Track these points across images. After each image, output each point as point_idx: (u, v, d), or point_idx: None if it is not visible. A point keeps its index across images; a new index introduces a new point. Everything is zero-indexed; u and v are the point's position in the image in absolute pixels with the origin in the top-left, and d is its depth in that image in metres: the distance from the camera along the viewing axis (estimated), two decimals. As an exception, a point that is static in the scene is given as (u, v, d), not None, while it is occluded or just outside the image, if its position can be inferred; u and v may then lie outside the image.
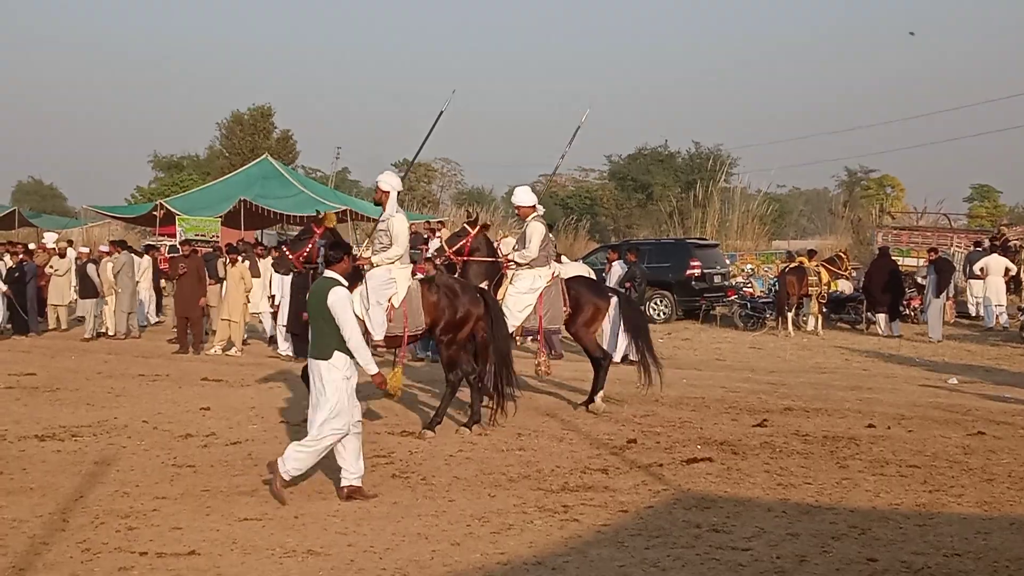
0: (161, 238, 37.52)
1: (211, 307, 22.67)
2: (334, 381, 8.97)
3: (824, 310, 26.77)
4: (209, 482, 9.69)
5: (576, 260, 26.33)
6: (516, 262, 13.77)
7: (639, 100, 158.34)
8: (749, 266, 34.57)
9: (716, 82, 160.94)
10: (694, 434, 12.33)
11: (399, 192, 12.55)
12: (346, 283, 9.34)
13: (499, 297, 13.30)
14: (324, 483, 9.67)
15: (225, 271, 21.79)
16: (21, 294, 24.89)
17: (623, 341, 19.21)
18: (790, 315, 25.90)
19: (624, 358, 19.10)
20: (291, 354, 19.70)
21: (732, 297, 28.72)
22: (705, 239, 36.18)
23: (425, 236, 33.01)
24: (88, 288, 23.84)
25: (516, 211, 14.50)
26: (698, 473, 10.24)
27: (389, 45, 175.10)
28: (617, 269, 21.31)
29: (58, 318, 25.92)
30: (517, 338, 13.99)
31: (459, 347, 12.44)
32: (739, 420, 13.37)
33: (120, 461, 10.57)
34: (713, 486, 9.71)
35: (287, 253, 12.37)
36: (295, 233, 45.39)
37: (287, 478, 8.99)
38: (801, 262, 26.94)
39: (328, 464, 10.42)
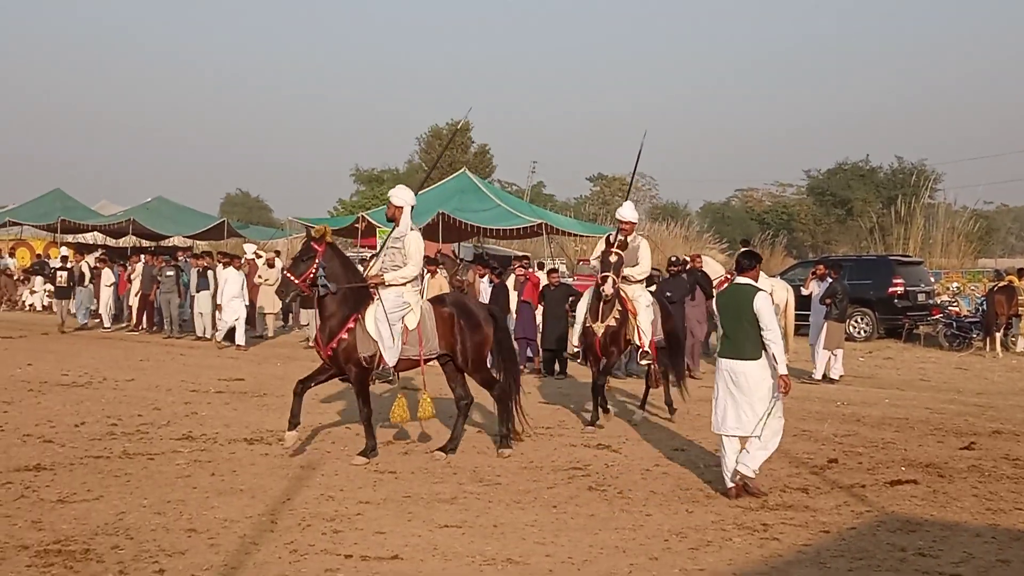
0: (362, 249, 38.33)
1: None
2: (767, 380, 9.74)
3: (1030, 331, 25.71)
4: (410, 488, 9.87)
5: (774, 276, 25.89)
6: (633, 278, 13.82)
7: (840, 114, 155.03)
8: (955, 284, 33.46)
9: (921, 96, 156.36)
10: (898, 455, 12.00)
11: (413, 207, 12.09)
12: (766, 289, 10.32)
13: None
14: (523, 493, 9.75)
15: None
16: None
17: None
18: (998, 335, 24.98)
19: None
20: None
21: (937, 316, 27.81)
22: (908, 256, 35.20)
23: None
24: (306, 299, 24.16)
25: (621, 226, 13.91)
26: (902, 495, 9.96)
27: (582, 60, 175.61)
28: (814, 286, 20.85)
29: (266, 326, 26.80)
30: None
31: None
32: (945, 442, 12.96)
33: (324, 465, 10.86)
34: (918, 509, 9.43)
35: (290, 277, 11.36)
36: (491, 246, 46.21)
37: (754, 475, 9.86)
38: (1010, 281, 25.96)
39: (529, 475, 10.54)
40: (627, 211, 14.09)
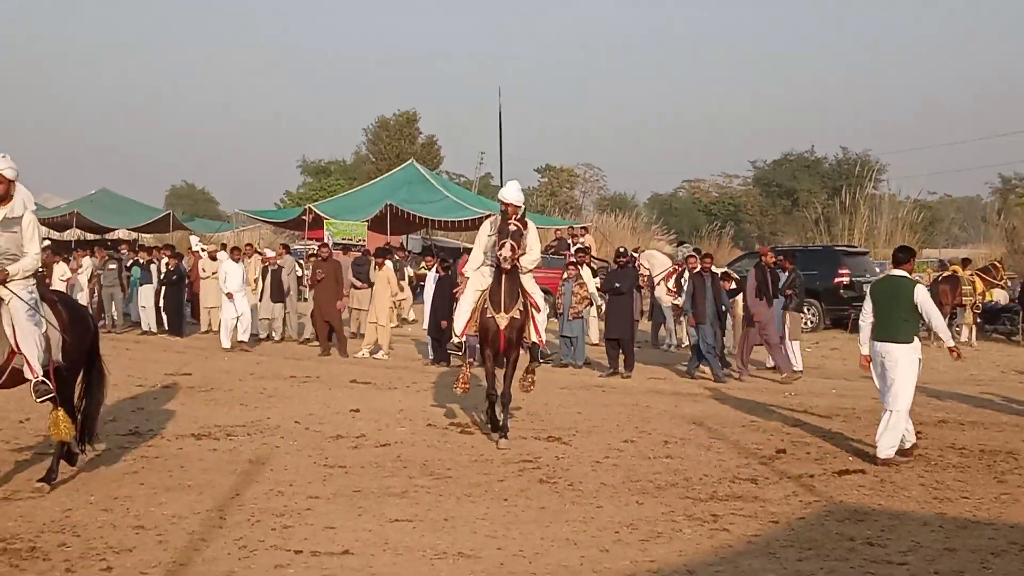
0: (309, 242, 38.20)
1: (362, 310, 23.06)
2: (913, 363, 11.02)
3: (978, 320, 26.03)
4: (360, 483, 9.83)
5: (721, 267, 26.05)
6: (524, 268, 12.23)
7: (784, 105, 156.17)
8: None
9: (864, 86, 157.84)
10: (846, 445, 12.11)
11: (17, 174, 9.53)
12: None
13: None
14: (473, 486, 9.75)
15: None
16: (176, 297, 25.66)
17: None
18: (943, 325, 25.25)
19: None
20: (431, 358, 19.89)
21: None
22: (854, 246, 35.49)
23: (568, 241, 33.13)
24: (277, 292, 23.66)
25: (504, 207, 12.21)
26: (850, 485, 10.05)
27: (529, 50, 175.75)
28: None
29: (210, 320, 26.57)
30: None
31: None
32: (892, 432, 13.07)
33: (274, 460, 10.79)
34: (866, 498, 9.52)
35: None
36: (439, 238, 46.17)
37: (889, 454, 10.99)
38: (955, 271, 26.25)
39: (479, 468, 10.54)
40: (511, 191, 12.41)
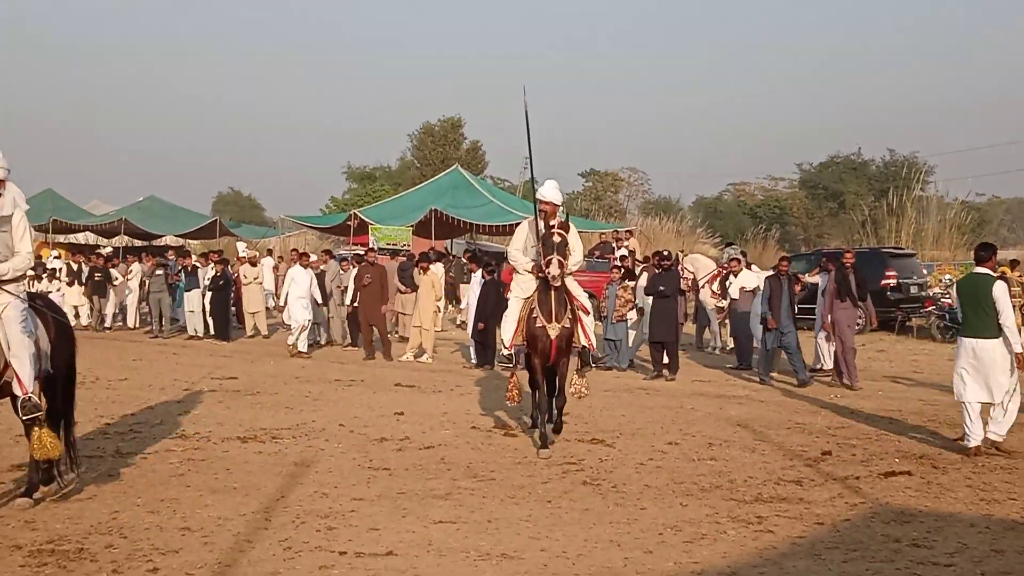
0: (355, 247, 38.38)
1: (406, 315, 23.14)
2: (1006, 356, 11.40)
3: (1030, 322, 25.75)
4: (404, 485, 9.86)
5: (766, 270, 25.93)
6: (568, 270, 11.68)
7: (831, 107, 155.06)
8: (948, 276, 33.42)
9: (912, 88, 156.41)
10: (891, 447, 12.04)
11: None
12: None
13: None
14: (517, 488, 9.75)
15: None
16: (222, 302, 25.89)
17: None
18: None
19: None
20: (475, 361, 19.92)
21: (929, 308, 27.82)
22: (901, 248, 35.23)
23: (613, 245, 33.08)
24: (321, 296, 23.77)
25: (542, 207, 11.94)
26: (896, 487, 9.97)
27: (573, 56, 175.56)
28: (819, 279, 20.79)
29: (255, 325, 26.77)
30: None
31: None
32: (938, 433, 12.99)
33: (318, 463, 10.84)
34: (912, 500, 9.44)
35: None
36: (484, 242, 46.21)
37: (1002, 439, 11.63)
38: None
39: (523, 470, 10.55)
40: (549, 190, 12.10)
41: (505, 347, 12.40)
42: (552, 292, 11.63)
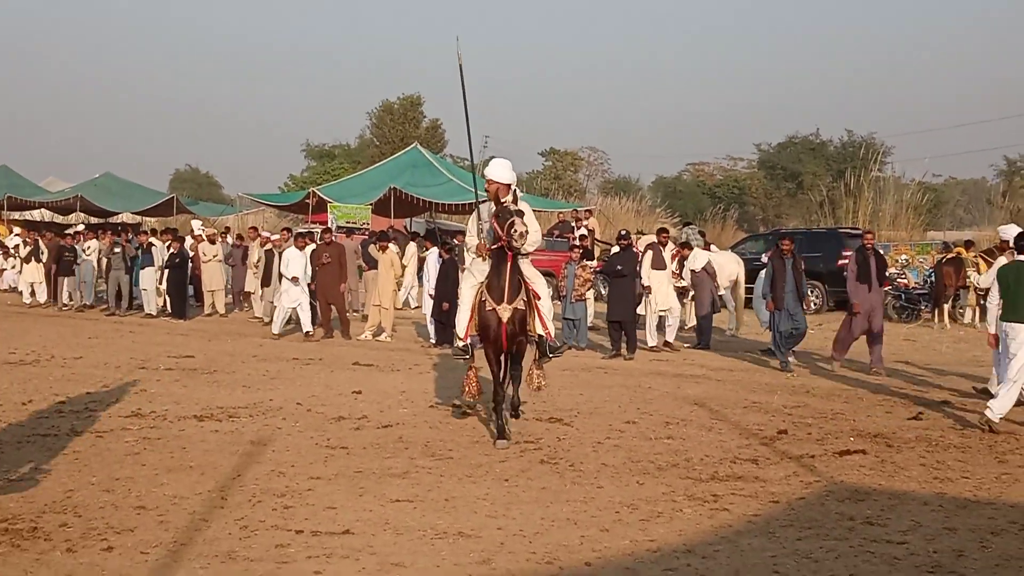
0: (313, 225, 38.24)
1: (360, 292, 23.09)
2: None
3: (982, 302, 26.01)
4: (362, 463, 9.84)
5: (725, 250, 26.05)
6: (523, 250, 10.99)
7: (790, 88, 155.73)
8: (903, 257, 33.67)
9: (869, 69, 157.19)
10: (847, 426, 12.12)
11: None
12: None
13: None
14: (475, 467, 9.75)
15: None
16: (180, 280, 25.74)
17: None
18: (946, 307, 25.29)
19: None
20: (433, 341, 19.88)
21: (886, 288, 28.05)
22: (858, 229, 35.45)
23: (572, 224, 33.13)
24: (268, 275, 23.82)
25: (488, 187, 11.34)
26: (851, 465, 10.05)
27: (533, 34, 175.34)
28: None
29: (213, 303, 26.65)
30: None
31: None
32: (893, 413, 13.11)
33: (275, 442, 10.80)
34: (867, 478, 9.51)
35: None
36: (443, 221, 46.14)
37: (997, 419, 11.75)
38: (958, 253, 26.23)
39: (481, 449, 10.56)
40: (496, 169, 11.32)
41: (459, 339, 11.43)
42: (505, 271, 10.81)
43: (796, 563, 6.98)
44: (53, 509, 8.08)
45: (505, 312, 10.88)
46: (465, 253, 11.78)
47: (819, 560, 7.04)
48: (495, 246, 10.89)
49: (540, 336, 11.33)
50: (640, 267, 19.55)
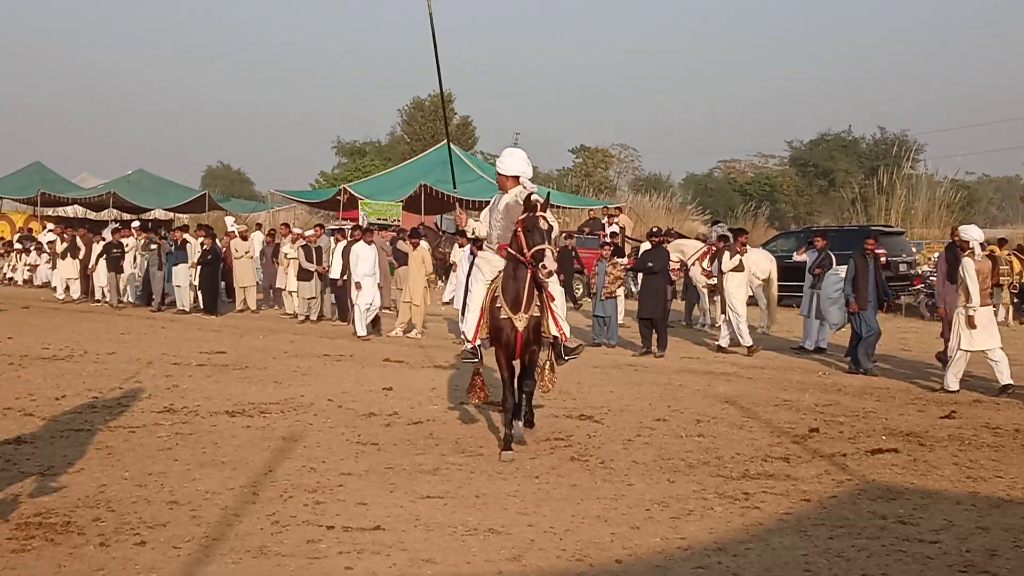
0: (343, 222, 38.32)
1: (398, 290, 23.06)
2: None
3: (1015, 300, 25.84)
4: (392, 460, 9.86)
5: (756, 247, 25.94)
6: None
7: (822, 85, 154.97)
8: (936, 254, 33.51)
9: (903, 66, 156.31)
10: (879, 424, 12.06)
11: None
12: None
13: None
14: (505, 464, 9.75)
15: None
16: (211, 276, 25.87)
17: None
18: (980, 305, 25.10)
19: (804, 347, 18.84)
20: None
21: (918, 286, 27.90)
22: (890, 226, 35.28)
23: (603, 222, 33.06)
24: (305, 271, 23.96)
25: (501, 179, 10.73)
26: (883, 464, 9.99)
27: (563, 32, 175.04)
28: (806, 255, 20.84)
29: (245, 299, 26.77)
30: None
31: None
32: (926, 411, 13.03)
33: (307, 437, 10.84)
34: (899, 477, 9.46)
35: None
36: (474, 219, 46.20)
37: None
38: (992, 251, 26.02)
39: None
40: (513, 161, 10.62)
41: (468, 341, 10.66)
42: (521, 277, 10.08)
43: (828, 562, 6.95)
44: (86, 504, 8.13)
45: (521, 321, 10.18)
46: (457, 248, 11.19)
47: (851, 559, 7.01)
48: (521, 258, 10.01)
49: (555, 337, 10.63)
50: (719, 266, 19.30)
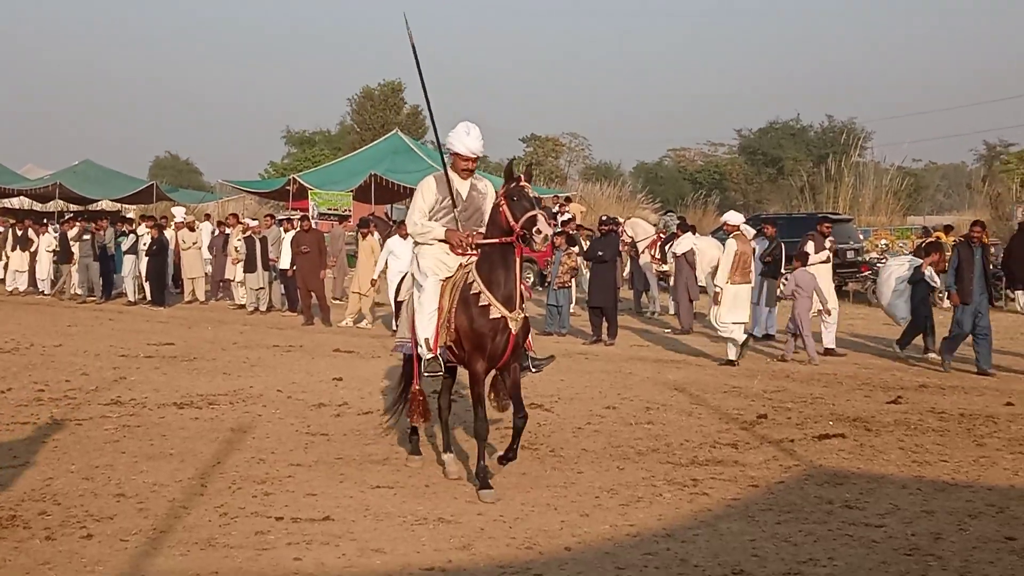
0: (293, 212, 38.13)
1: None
2: None
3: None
4: (342, 450, 9.85)
5: (705, 236, 26.07)
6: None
7: (770, 73, 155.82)
8: (883, 241, 33.80)
9: (849, 54, 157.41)
10: (826, 410, 12.17)
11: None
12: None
13: None
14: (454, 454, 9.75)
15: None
16: (158, 268, 25.64)
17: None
18: (927, 291, 25.34)
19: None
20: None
21: (866, 273, 28.15)
22: (838, 214, 35.54)
23: (554, 210, 33.10)
24: (263, 262, 23.73)
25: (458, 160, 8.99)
26: (830, 449, 10.10)
27: (514, 21, 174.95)
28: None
29: (193, 290, 26.58)
30: None
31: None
32: (872, 397, 13.17)
33: (256, 429, 10.80)
34: (846, 462, 9.56)
35: None
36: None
37: None
38: (938, 237, 26.30)
39: (460, 434, 10.56)
40: (472, 140, 8.88)
41: (427, 350, 8.77)
42: (512, 266, 8.50)
43: (775, 547, 7.01)
44: (32, 497, 8.07)
45: (515, 323, 8.52)
46: (411, 230, 9.13)
47: (798, 544, 7.08)
48: (506, 239, 8.43)
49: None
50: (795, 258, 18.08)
